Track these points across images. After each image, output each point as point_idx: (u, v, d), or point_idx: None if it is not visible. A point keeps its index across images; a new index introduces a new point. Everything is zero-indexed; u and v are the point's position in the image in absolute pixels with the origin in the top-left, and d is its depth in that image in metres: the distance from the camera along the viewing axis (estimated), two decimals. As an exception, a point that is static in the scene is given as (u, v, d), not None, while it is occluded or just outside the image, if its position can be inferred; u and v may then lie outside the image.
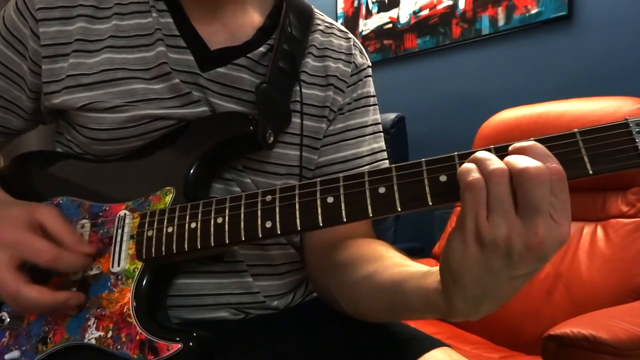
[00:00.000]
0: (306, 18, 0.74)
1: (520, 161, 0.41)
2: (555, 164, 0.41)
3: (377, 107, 0.77)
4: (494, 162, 0.42)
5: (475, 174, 0.42)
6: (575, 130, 0.43)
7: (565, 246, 1.41)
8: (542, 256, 0.41)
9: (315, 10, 0.78)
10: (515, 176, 0.41)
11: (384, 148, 0.76)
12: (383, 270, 0.57)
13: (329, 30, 0.76)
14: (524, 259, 0.41)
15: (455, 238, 0.44)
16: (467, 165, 0.43)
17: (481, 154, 0.44)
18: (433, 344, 0.60)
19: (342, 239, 0.67)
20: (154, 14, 0.67)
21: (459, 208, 0.45)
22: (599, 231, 1.36)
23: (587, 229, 1.38)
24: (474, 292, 0.45)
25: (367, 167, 0.72)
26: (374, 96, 0.77)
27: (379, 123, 0.77)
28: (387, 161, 0.75)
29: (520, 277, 0.44)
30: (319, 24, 0.76)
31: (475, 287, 0.44)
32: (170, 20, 0.67)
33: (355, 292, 0.60)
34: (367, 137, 0.74)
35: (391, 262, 0.58)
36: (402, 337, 0.63)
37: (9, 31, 0.67)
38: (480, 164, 0.43)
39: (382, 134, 0.77)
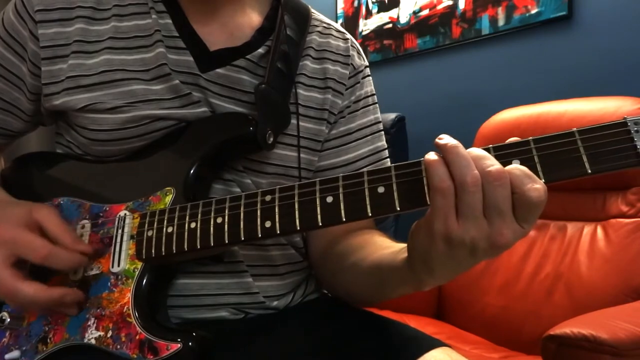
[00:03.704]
0: (303, 19, 0.74)
1: (484, 164, 0.43)
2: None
3: (377, 105, 0.78)
4: (468, 169, 0.43)
5: (446, 179, 0.44)
6: (574, 129, 0.44)
7: (565, 246, 1.43)
8: (503, 249, 0.45)
9: (312, 10, 0.78)
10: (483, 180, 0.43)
11: (386, 146, 0.77)
12: (366, 257, 0.62)
13: (327, 31, 0.76)
14: (487, 253, 0.45)
15: (422, 233, 0.47)
16: (437, 167, 0.44)
17: (452, 154, 0.44)
18: (433, 344, 0.60)
19: (341, 233, 0.69)
20: (154, 15, 0.67)
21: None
22: (599, 231, 1.36)
23: (587, 229, 1.38)
24: (440, 272, 0.49)
25: (369, 167, 0.73)
26: (372, 95, 0.77)
27: (379, 122, 0.77)
28: (388, 159, 0.76)
29: (482, 260, 0.47)
30: (316, 25, 0.76)
31: (442, 270, 0.49)
32: (170, 21, 0.67)
33: (345, 278, 0.66)
34: (369, 137, 0.75)
35: (373, 247, 0.63)
36: (402, 337, 0.63)
37: (8, 33, 0.67)
38: (452, 167, 0.44)
39: (382, 132, 0.77)
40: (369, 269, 0.60)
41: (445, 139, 0.45)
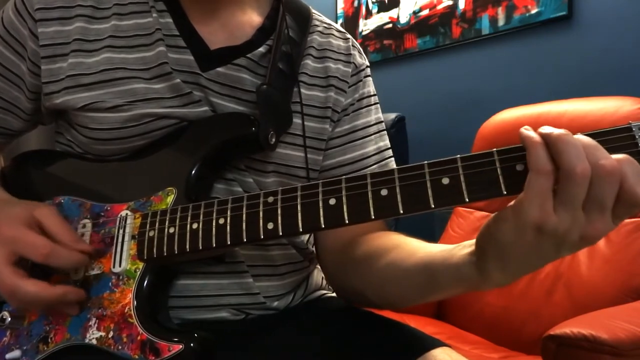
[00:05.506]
0: (303, 19, 0.74)
1: (597, 156, 0.40)
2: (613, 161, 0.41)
3: (378, 105, 0.78)
4: (578, 159, 0.40)
5: (550, 162, 0.41)
6: (579, 134, 0.43)
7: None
8: (589, 245, 0.43)
9: (313, 10, 0.78)
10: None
11: (389, 146, 0.77)
12: (406, 256, 0.59)
13: (328, 31, 0.76)
14: (573, 247, 0.43)
15: (511, 222, 0.44)
16: (540, 148, 0.41)
17: (562, 141, 0.41)
18: (433, 344, 0.60)
19: (358, 235, 0.68)
20: (154, 14, 0.67)
21: (459, 208, 0.45)
22: (599, 231, 1.36)
23: (587, 229, 1.38)
24: (515, 267, 0.46)
25: (374, 166, 0.73)
26: (374, 95, 0.78)
27: (382, 121, 0.78)
28: (392, 158, 0.76)
29: (562, 255, 0.45)
30: (317, 25, 0.76)
31: (519, 264, 0.46)
32: (170, 20, 0.67)
33: (381, 280, 0.62)
34: (373, 136, 0.75)
35: (412, 246, 0.60)
36: (402, 337, 0.63)
37: (8, 32, 0.67)
38: (560, 155, 0.41)
39: (385, 131, 0.78)
40: (416, 269, 0.56)
41: (549, 128, 0.42)
